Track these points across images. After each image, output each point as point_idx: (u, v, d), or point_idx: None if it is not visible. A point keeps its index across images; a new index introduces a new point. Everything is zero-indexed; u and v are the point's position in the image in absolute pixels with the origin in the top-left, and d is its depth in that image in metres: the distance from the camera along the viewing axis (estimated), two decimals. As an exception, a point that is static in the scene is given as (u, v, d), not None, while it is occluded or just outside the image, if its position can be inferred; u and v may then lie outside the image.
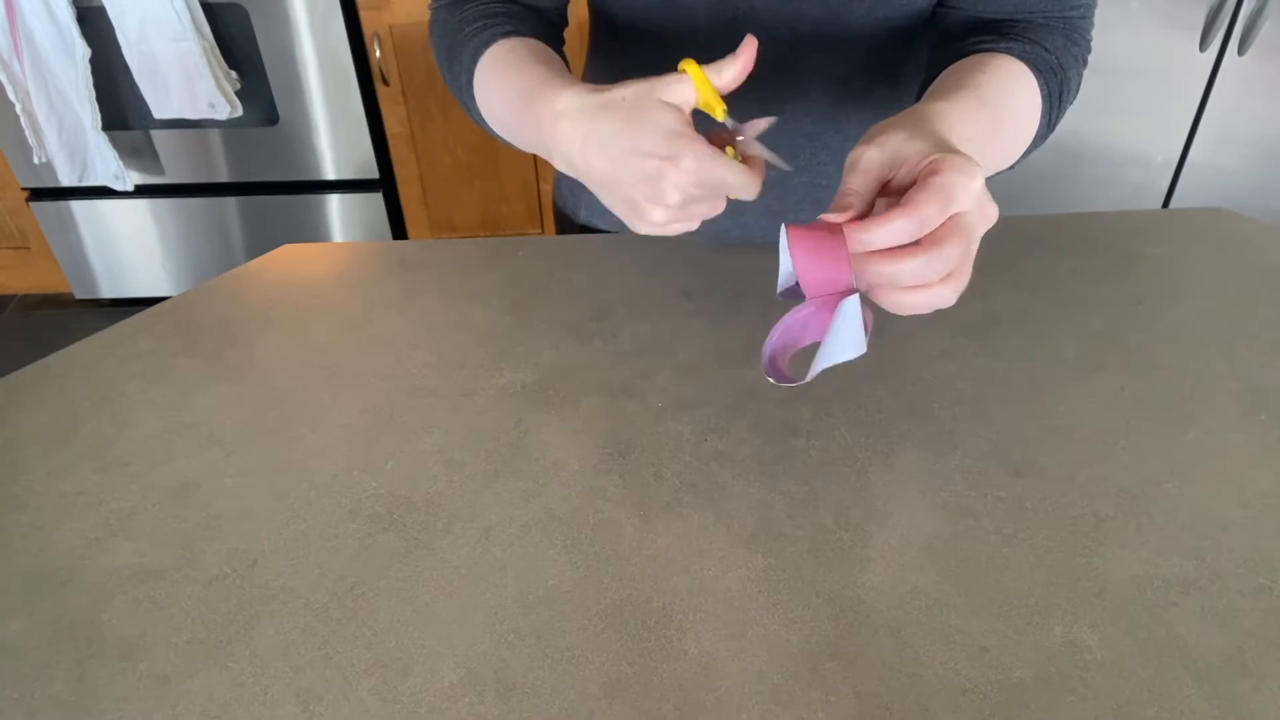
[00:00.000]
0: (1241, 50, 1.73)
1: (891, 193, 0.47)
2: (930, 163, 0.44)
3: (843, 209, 0.44)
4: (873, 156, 0.46)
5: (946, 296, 0.45)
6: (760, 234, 0.80)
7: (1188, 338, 0.67)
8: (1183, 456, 0.56)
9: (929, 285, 0.44)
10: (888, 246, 0.43)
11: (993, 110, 0.55)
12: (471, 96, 0.65)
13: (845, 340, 0.46)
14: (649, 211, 0.49)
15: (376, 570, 0.51)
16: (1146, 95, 1.83)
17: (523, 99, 0.58)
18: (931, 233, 0.43)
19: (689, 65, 0.49)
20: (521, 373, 0.65)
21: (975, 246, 0.45)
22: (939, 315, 0.69)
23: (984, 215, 0.45)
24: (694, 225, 0.52)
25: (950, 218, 0.43)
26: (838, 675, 0.44)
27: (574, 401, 0.62)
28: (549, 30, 0.69)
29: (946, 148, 0.45)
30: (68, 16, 1.76)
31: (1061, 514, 0.53)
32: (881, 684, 0.44)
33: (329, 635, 0.47)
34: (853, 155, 0.47)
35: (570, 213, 0.90)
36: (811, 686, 0.44)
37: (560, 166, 0.56)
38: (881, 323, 0.69)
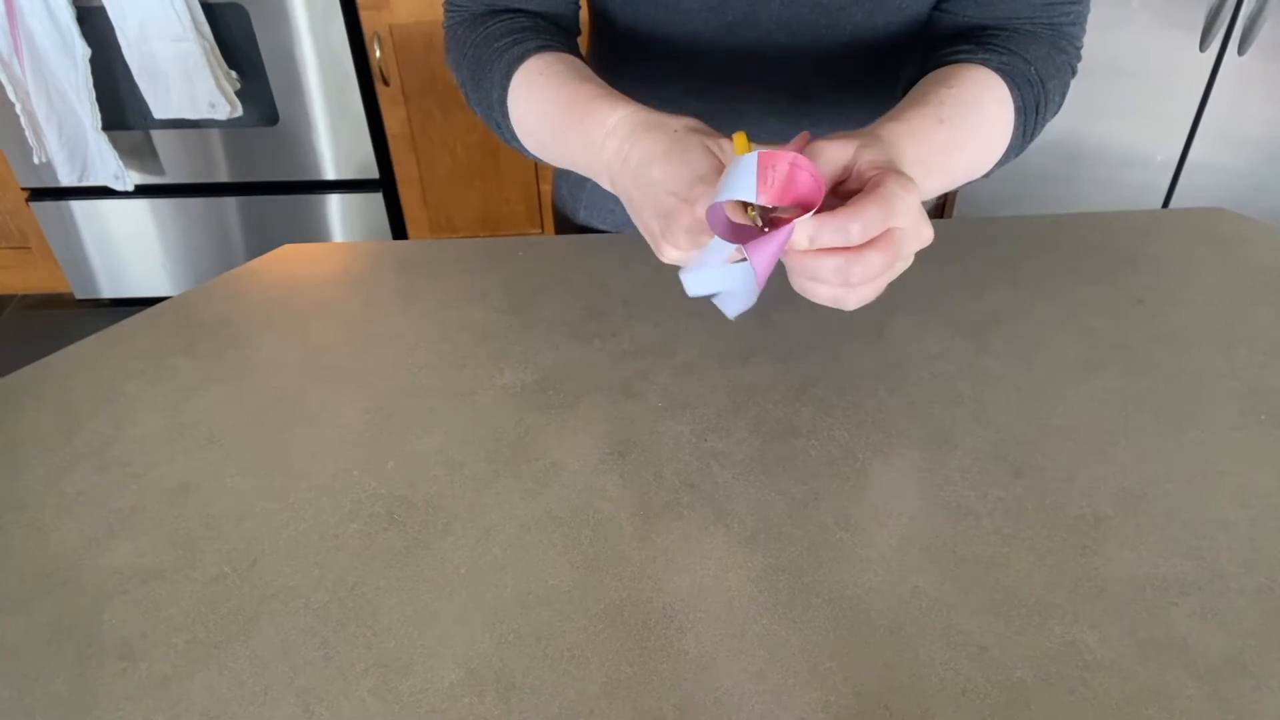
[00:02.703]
0: (1241, 50, 1.73)
1: (838, 197, 0.48)
2: (875, 175, 0.45)
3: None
4: (833, 154, 0.47)
5: (849, 301, 0.46)
6: None
7: (1188, 338, 0.67)
8: (1183, 456, 0.56)
9: (834, 285, 0.45)
10: (830, 246, 0.44)
11: (951, 128, 0.56)
12: (504, 114, 0.65)
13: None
14: (663, 249, 0.50)
15: (376, 570, 0.51)
16: (1146, 95, 1.83)
17: (570, 116, 0.58)
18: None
19: (740, 138, 0.50)
20: (521, 373, 0.65)
21: (901, 265, 0.47)
22: (939, 315, 0.69)
23: (918, 234, 0.46)
24: None
25: (886, 230, 0.44)
26: (838, 675, 0.44)
27: (574, 401, 0.62)
28: (570, 41, 0.69)
29: (893, 166, 0.47)
30: (68, 16, 1.76)
31: (1061, 514, 0.53)
32: (881, 684, 0.44)
33: (329, 635, 0.47)
34: (812, 148, 0.48)
35: (570, 213, 0.90)
36: (811, 686, 0.44)
37: (604, 184, 0.57)
38: (881, 322, 0.69)
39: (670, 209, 0.48)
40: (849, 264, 0.44)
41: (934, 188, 0.56)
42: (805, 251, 0.44)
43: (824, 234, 0.43)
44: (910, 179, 0.45)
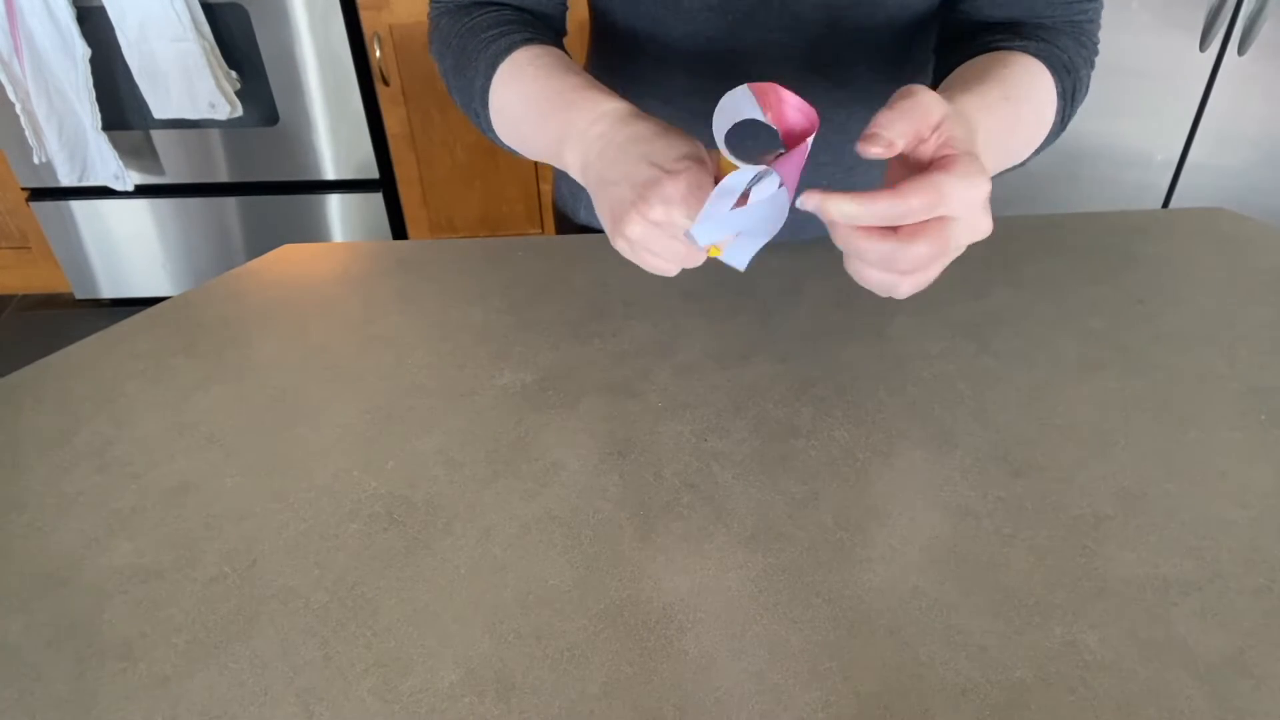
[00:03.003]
0: (1241, 50, 1.73)
1: (910, 157, 0.46)
2: (946, 158, 0.43)
3: (886, 144, 0.43)
4: (933, 106, 0.44)
5: (900, 288, 0.45)
6: None
7: (1188, 338, 0.67)
8: (1183, 456, 0.56)
9: (882, 269, 0.44)
10: (865, 224, 0.43)
11: (1014, 107, 0.55)
12: (484, 104, 0.65)
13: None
14: (631, 220, 0.48)
15: (376, 570, 0.51)
16: (1146, 95, 1.82)
17: (557, 103, 0.58)
18: (912, 226, 0.43)
19: (722, 160, 0.49)
20: (521, 373, 0.65)
21: (953, 254, 0.45)
22: (939, 315, 0.69)
23: (973, 227, 0.44)
24: (669, 269, 0.51)
25: (937, 218, 0.43)
26: (838, 675, 0.44)
27: (574, 401, 0.62)
28: (556, 39, 0.69)
29: (974, 149, 0.45)
30: (68, 16, 1.75)
31: (1061, 514, 0.53)
32: (881, 684, 0.44)
33: (329, 635, 0.47)
34: (914, 89, 0.45)
35: (570, 213, 0.90)
36: (811, 686, 0.44)
37: (572, 165, 0.57)
38: (881, 323, 0.69)
39: (650, 178, 0.47)
40: (895, 252, 0.43)
41: (994, 167, 0.54)
42: (859, 230, 0.43)
43: (866, 213, 0.42)
44: (981, 169, 0.43)
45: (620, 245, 0.51)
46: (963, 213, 0.43)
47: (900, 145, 0.43)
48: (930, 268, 0.45)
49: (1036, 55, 0.60)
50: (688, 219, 0.47)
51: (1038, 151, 0.64)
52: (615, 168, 0.51)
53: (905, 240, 0.43)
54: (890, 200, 0.42)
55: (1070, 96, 0.62)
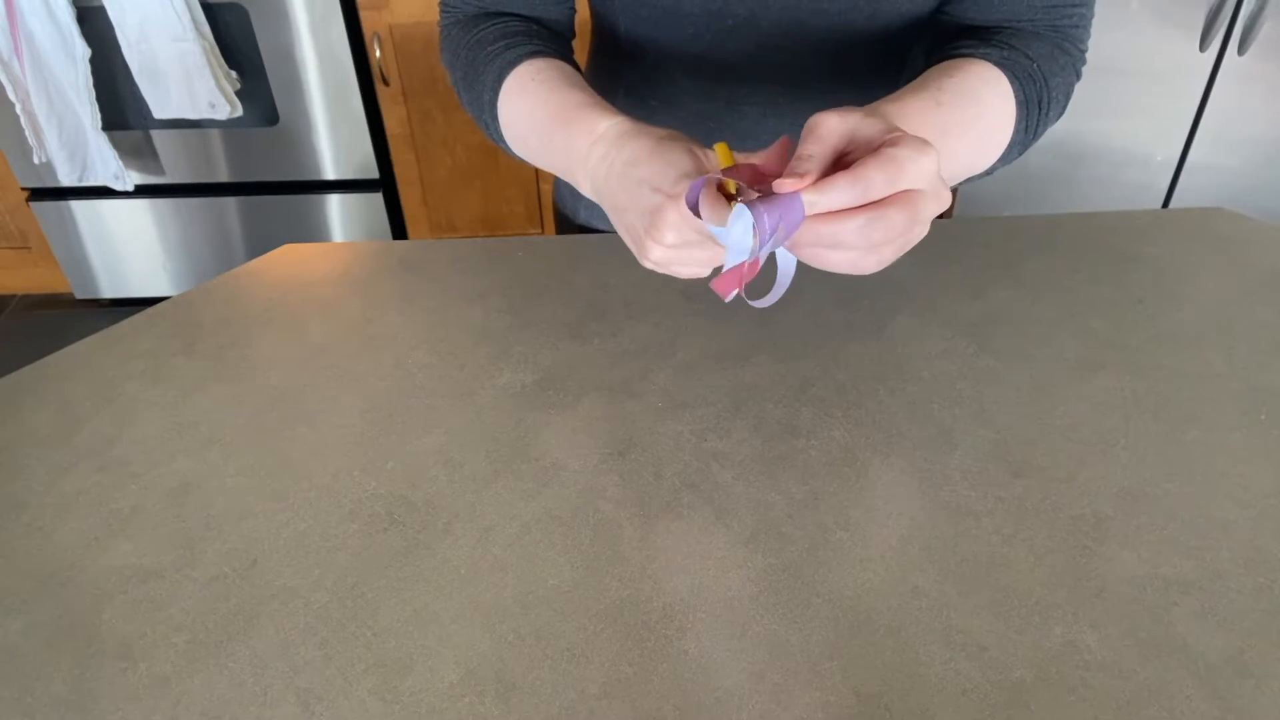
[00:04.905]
0: (1241, 50, 1.73)
1: (844, 168, 0.46)
2: (889, 137, 0.44)
3: (800, 175, 0.44)
4: (833, 125, 0.45)
5: (868, 264, 0.45)
6: None
7: (1188, 338, 0.67)
8: (1183, 456, 0.56)
9: (856, 247, 0.44)
10: (829, 210, 0.43)
11: (950, 113, 0.55)
12: (494, 117, 0.65)
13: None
14: (648, 247, 0.49)
15: (376, 570, 0.51)
16: (1146, 95, 1.82)
17: (558, 121, 0.58)
18: (879, 200, 0.43)
19: (721, 149, 0.50)
20: (521, 373, 0.65)
21: (920, 228, 0.45)
22: (939, 315, 0.69)
23: (936, 196, 0.45)
24: (702, 272, 0.51)
25: (900, 191, 0.43)
26: (838, 675, 0.44)
27: (574, 401, 0.62)
28: (563, 46, 0.69)
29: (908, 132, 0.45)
30: (68, 16, 1.76)
31: (1061, 514, 0.53)
32: (881, 684, 0.44)
33: (329, 635, 0.47)
34: (812, 120, 0.46)
35: (570, 213, 0.90)
36: (811, 686, 0.44)
37: (584, 190, 0.57)
38: (881, 322, 0.69)
39: (655, 205, 0.48)
40: (870, 223, 0.43)
41: None
42: (823, 217, 0.43)
43: (827, 198, 0.42)
44: (927, 143, 0.44)
45: (648, 265, 0.51)
46: (923, 182, 0.43)
47: (824, 165, 0.44)
48: (899, 239, 0.44)
49: (997, 63, 0.60)
50: (699, 233, 0.47)
51: (1004, 160, 0.63)
52: (621, 195, 0.52)
53: (878, 210, 0.43)
54: (850, 179, 0.42)
55: (1035, 105, 0.61)
